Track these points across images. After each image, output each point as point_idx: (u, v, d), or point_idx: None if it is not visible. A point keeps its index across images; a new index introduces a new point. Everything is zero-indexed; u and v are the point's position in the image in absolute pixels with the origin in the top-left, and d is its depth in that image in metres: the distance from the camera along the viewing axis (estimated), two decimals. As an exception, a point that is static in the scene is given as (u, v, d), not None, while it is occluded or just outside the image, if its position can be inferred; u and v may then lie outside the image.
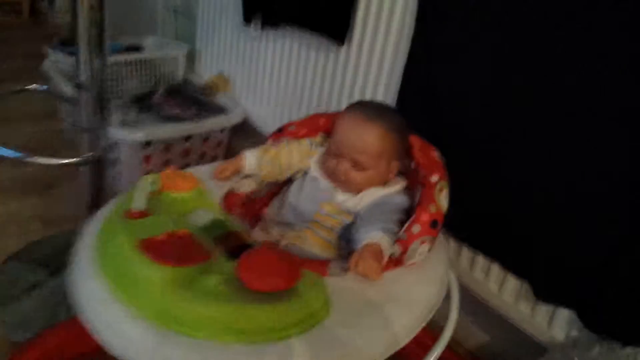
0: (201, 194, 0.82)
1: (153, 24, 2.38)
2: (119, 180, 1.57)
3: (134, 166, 1.54)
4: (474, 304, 1.13)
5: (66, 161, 0.95)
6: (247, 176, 0.95)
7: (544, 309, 1.00)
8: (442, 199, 0.84)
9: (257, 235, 0.90)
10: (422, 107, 1.11)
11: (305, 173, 0.95)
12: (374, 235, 0.77)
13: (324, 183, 0.91)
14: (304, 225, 0.90)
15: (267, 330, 0.61)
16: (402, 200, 0.88)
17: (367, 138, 0.86)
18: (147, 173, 0.80)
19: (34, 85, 1.12)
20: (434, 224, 0.80)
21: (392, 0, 1.20)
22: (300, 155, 0.95)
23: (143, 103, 1.77)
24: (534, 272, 1.00)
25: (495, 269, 1.08)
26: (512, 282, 1.05)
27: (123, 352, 0.60)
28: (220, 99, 1.85)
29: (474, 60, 1.02)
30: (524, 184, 0.97)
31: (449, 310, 0.86)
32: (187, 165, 1.04)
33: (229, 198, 0.89)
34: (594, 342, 0.87)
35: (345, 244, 0.87)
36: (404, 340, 0.71)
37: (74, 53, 1.09)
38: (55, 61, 1.75)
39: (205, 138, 1.72)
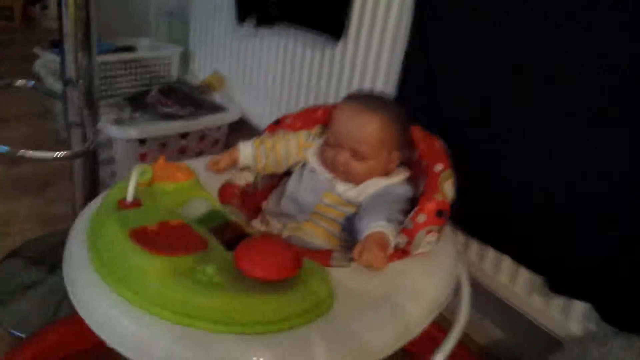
0: (196, 185, 0.78)
1: (146, 26, 2.36)
2: (115, 178, 1.54)
3: (129, 164, 1.51)
4: (485, 299, 1.09)
5: (57, 154, 0.92)
6: (244, 168, 0.92)
7: (558, 302, 0.97)
8: (448, 188, 0.81)
9: (257, 226, 0.86)
10: (421, 105, 1.09)
11: (304, 165, 0.92)
12: (378, 225, 0.73)
13: (323, 174, 0.88)
14: (305, 217, 0.87)
15: (267, 322, 0.57)
16: (406, 191, 0.85)
17: (367, 128, 0.83)
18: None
19: (20, 81, 1.09)
20: (439, 213, 0.77)
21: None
22: (297, 147, 0.92)
23: (137, 102, 1.74)
24: (547, 266, 0.97)
25: (506, 261, 1.04)
26: (524, 275, 1.02)
27: (118, 343, 0.57)
28: (216, 97, 1.82)
29: (473, 59, 1.01)
30: (524, 183, 0.96)
31: (459, 304, 0.83)
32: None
33: (226, 190, 0.86)
34: (612, 335, 0.83)
35: (348, 236, 0.84)
36: (412, 333, 0.68)
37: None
38: (46, 61, 1.72)
39: (202, 136, 1.68)
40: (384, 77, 1.23)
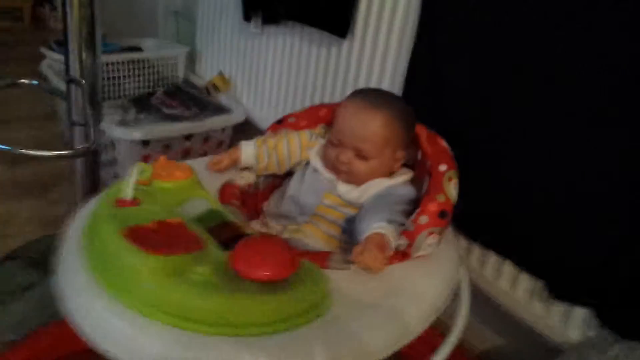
0: (195, 184, 0.77)
1: (154, 26, 2.36)
2: (117, 179, 1.53)
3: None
4: (485, 305, 1.07)
5: (58, 153, 0.92)
6: (245, 168, 0.91)
7: (558, 309, 0.95)
8: (452, 189, 0.80)
9: (256, 228, 0.85)
10: (427, 105, 1.08)
11: (306, 165, 0.91)
12: (378, 226, 0.72)
13: (325, 174, 0.87)
14: (305, 219, 0.85)
15: (263, 323, 0.56)
16: (409, 192, 0.84)
17: (371, 126, 0.82)
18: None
19: (23, 80, 1.09)
20: (442, 214, 0.76)
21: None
22: (300, 147, 0.91)
23: (142, 103, 1.74)
24: (548, 271, 0.96)
25: (507, 267, 1.03)
26: (525, 281, 1.00)
27: (109, 346, 0.56)
28: (222, 99, 1.81)
29: (474, 59, 1.00)
30: (524, 183, 0.95)
31: (458, 308, 0.81)
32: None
33: (226, 189, 0.85)
34: (612, 342, 0.81)
35: (348, 238, 0.83)
36: (409, 336, 0.67)
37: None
38: (53, 61, 1.72)
39: (206, 138, 1.68)
40: (390, 77, 1.21)
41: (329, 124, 0.92)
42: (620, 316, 0.85)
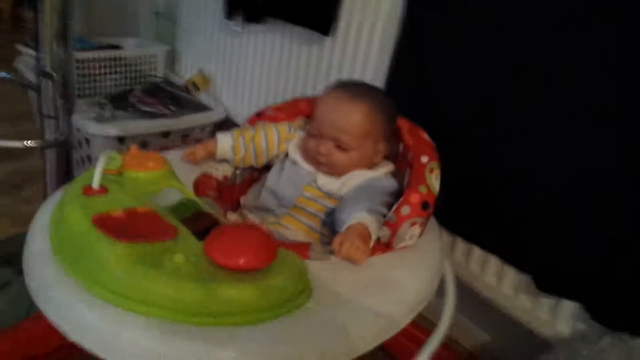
0: (168, 174, 0.74)
1: (135, 26, 2.32)
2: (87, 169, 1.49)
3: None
4: (471, 301, 1.06)
5: (28, 143, 0.88)
6: (223, 160, 0.88)
7: (546, 302, 0.94)
8: (433, 180, 0.78)
9: (232, 219, 0.82)
10: (410, 104, 1.05)
11: (285, 158, 0.88)
12: (359, 216, 0.70)
13: (305, 167, 0.84)
14: (285, 211, 0.83)
15: (239, 313, 0.54)
16: (391, 183, 0.82)
17: (351, 117, 0.80)
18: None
19: (-6, 73, 1.06)
20: (424, 205, 0.74)
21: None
22: (278, 139, 0.88)
23: (119, 101, 1.70)
24: (536, 265, 0.95)
25: (493, 261, 1.01)
26: (511, 275, 0.99)
27: (79, 336, 0.53)
28: (202, 97, 1.78)
29: (467, 58, 0.98)
30: (523, 183, 0.94)
31: (444, 300, 0.79)
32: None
33: (202, 181, 0.82)
34: (602, 334, 0.80)
35: (329, 231, 0.80)
36: (394, 329, 0.64)
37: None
38: (28, 58, 1.67)
39: (185, 135, 1.64)
40: (372, 75, 1.19)
41: (309, 116, 0.90)
42: (618, 314, 0.84)
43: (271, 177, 0.86)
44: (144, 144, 1.53)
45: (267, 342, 0.54)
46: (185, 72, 1.95)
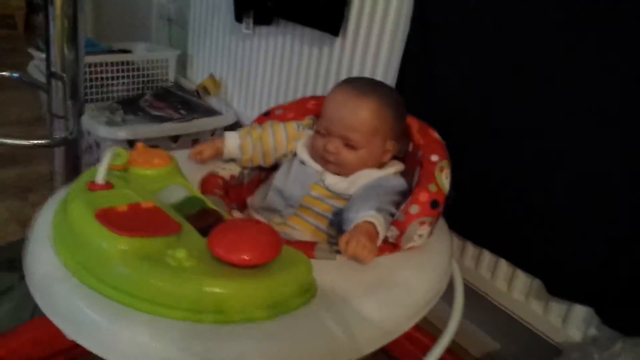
0: (174, 171, 0.73)
1: (147, 32, 2.34)
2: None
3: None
4: (480, 307, 1.04)
5: (36, 142, 0.89)
6: (230, 160, 0.87)
7: (557, 307, 0.92)
8: (443, 179, 0.76)
9: (238, 216, 0.81)
10: (420, 104, 1.05)
11: (293, 157, 0.87)
12: (367, 215, 0.68)
13: (313, 166, 0.83)
14: (292, 212, 0.82)
15: (242, 310, 0.53)
16: (399, 183, 0.80)
17: (360, 114, 0.79)
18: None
19: (4, 73, 1.06)
20: (434, 204, 0.72)
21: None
22: (287, 138, 0.87)
23: (130, 105, 1.71)
24: (546, 268, 0.93)
25: (503, 265, 1.00)
26: (522, 279, 0.97)
27: (79, 335, 0.53)
28: (212, 101, 1.79)
29: (474, 57, 0.98)
30: (524, 184, 0.93)
31: (452, 304, 0.77)
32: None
33: (209, 180, 0.81)
34: (614, 339, 0.78)
35: (337, 232, 0.79)
36: (399, 330, 0.63)
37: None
38: (39, 61, 1.69)
39: (195, 140, 1.65)
40: (382, 75, 1.19)
41: (317, 115, 0.89)
42: (621, 314, 0.82)
43: (279, 177, 0.85)
44: (153, 148, 1.53)
45: (270, 340, 0.53)
46: (197, 77, 1.96)
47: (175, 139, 1.59)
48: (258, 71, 1.62)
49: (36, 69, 1.70)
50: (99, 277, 0.54)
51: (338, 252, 0.66)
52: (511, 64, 0.92)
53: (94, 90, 1.74)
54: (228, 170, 0.86)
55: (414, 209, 0.71)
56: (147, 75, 1.88)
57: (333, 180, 0.81)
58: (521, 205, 0.93)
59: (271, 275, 0.55)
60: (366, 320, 0.59)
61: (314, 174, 0.83)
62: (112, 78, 1.78)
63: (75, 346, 0.53)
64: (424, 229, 0.71)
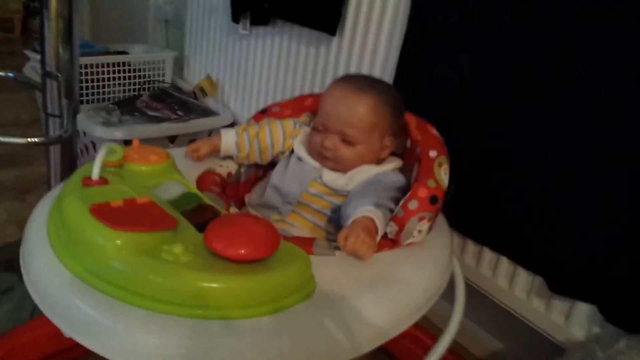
0: (170, 167, 0.72)
1: (144, 34, 2.34)
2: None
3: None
4: (482, 306, 1.03)
5: (32, 140, 0.88)
6: (227, 158, 0.87)
7: (559, 305, 0.91)
8: (442, 175, 0.75)
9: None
10: (418, 100, 1.05)
11: (290, 154, 0.86)
12: (366, 210, 0.68)
13: (310, 162, 0.83)
14: (290, 209, 0.81)
15: (239, 305, 0.52)
16: (398, 179, 0.80)
17: (357, 110, 0.78)
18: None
19: (-1, 72, 1.06)
20: (433, 199, 0.71)
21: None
22: (283, 135, 0.86)
23: (127, 106, 1.70)
24: (546, 267, 0.92)
25: (504, 263, 0.99)
26: (523, 277, 0.96)
27: (73, 330, 0.52)
28: (209, 102, 1.78)
29: (473, 57, 0.98)
30: (524, 183, 0.93)
31: (453, 300, 0.76)
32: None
33: (205, 177, 0.80)
34: (617, 337, 0.77)
35: (335, 229, 0.78)
36: (399, 328, 0.62)
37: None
38: (35, 62, 1.68)
39: (192, 140, 1.63)
40: (379, 74, 1.18)
41: (315, 113, 0.88)
42: (625, 312, 0.81)
43: (276, 174, 0.84)
44: (150, 147, 1.53)
45: (267, 336, 0.52)
46: (194, 78, 1.95)
47: (172, 139, 1.59)
48: (255, 72, 1.61)
49: (32, 70, 1.69)
50: (94, 272, 0.53)
51: (337, 248, 0.65)
52: (511, 64, 0.91)
53: (90, 91, 1.73)
54: (225, 168, 0.85)
55: (413, 205, 0.70)
56: (144, 77, 1.87)
57: (331, 177, 0.80)
58: (521, 205, 0.93)
59: (269, 271, 0.54)
60: (365, 318, 0.58)
61: (312, 170, 0.82)
62: (109, 79, 1.77)
63: (75, 347, 0.53)
64: (424, 225, 0.70)
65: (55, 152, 1.07)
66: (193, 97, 1.81)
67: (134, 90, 1.85)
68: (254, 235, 0.55)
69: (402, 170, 0.83)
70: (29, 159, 1.71)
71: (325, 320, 0.55)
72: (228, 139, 0.84)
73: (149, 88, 1.87)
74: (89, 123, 1.46)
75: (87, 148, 1.51)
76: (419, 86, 1.06)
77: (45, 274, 0.55)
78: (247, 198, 0.88)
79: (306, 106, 0.92)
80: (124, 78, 1.81)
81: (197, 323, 0.50)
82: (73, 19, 1.01)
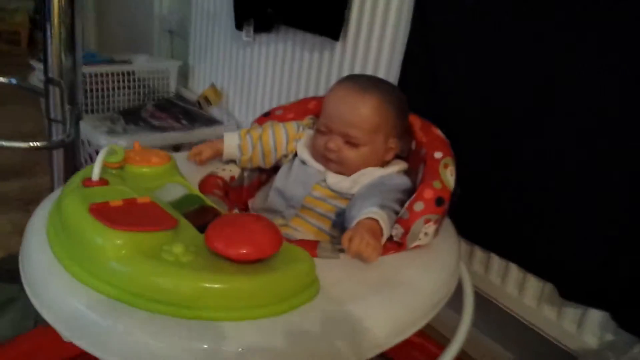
0: (173, 170, 0.72)
1: (149, 44, 2.35)
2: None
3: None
4: (490, 315, 1.01)
5: (34, 144, 0.88)
6: (230, 161, 0.86)
7: (571, 312, 0.90)
8: (448, 176, 0.74)
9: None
10: (422, 103, 1.04)
11: (293, 158, 0.85)
12: (369, 211, 0.66)
13: (314, 165, 0.81)
14: (293, 212, 0.79)
15: (241, 306, 0.50)
16: (403, 181, 0.78)
17: (360, 110, 0.77)
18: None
19: (2, 79, 1.05)
20: (439, 201, 0.70)
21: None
22: (287, 138, 0.85)
23: (131, 116, 1.70)
24: (547, 266, 0.92)
25: (514, 270, 0.97)
26: (533, 284, 0.94)
27: (70, 333, 0.50)
28: (214, 111, 1.78)
29: (471, 57, 0.98)
30: (524, 184, 0.92)
31: (459, 311, 0.74)
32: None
33: (208, 180, 0.79)
34: (633, 343, 0.75)
35: (339, 233, 0.76)
36: (404, 333, 0.60)
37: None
38: (39, 71, 1.69)
39: (196, 148, 1.63)
40: (383, 78, 1.18)
41: (318, 115, 0.87)
42: (637, 318, 0.79)
43: (279, 178, 0.83)
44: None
45: (269, 339, 0.50)
46: (198, 87, 1.96)
47: (176, 148, 1.58)
48: (259, 79, 1.61)
49: (37, 80, 1.69)
50: (93, 272, 0.52)
51: (341, 250, 0.63)
52: (510, 64, 0.91)
53: (95, 100, 1.73)
54: (228, 172, 0.84)
55: (419, 206, 0.69)
56: (149, 86, 1.88)
57: (335, 180, 0.79)
58: (521, 205, 0.93)
59: (272, 272, 0.53)
60: (370, 322, 0.56)
61: (316, 173, 0.81)
62: (114, 89, 1.78)
63: (77, 356, 0.51)
64: (430, 227, 0.68)
65: (58, 159, 1.07)
66: (197, 107, 1.81)
67: (139, 100, 1.85)
68: (255, 234, 0.53)
69: (407, 172, 0.82)
70: (33, 170, 1.71)
71: (328, 323, 0.53)
72: (231, 142, 0.84)
73: (153, 98, 1.88)
74: (93, 132, 1.45)
75: (91, 157, 1.51)
76: (423, 87, 1.06)
77: (44, 275, 0.54)
78: (250, 203, 0.87)
79: (309, 109, 0.91)
80: (129, 88, 1.81)
81: (198, 325, 0.49)
82: (75, 26, 1.02)
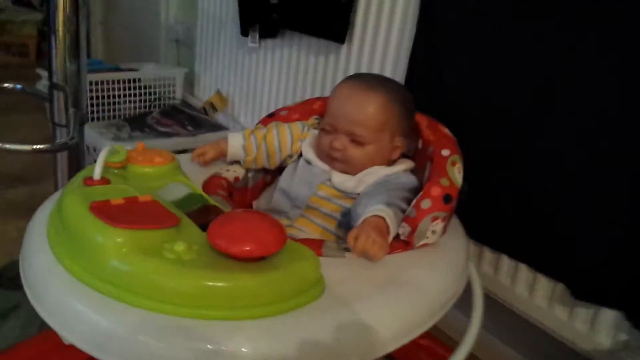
0: (175, 169, 0.71)
1: (155, 53, 2.36)
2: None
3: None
4: (500, 317, 0.99)
5: (37, 147, 0.88)
6: (234, 162, 0.85)
7: (584, 312, 0.87)
8: (456, 173, 0.73)
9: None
10: (428, 104, 1.03)
11: (298, 158, 0.84)
12: (375, 209, 0.65)
13: (319, 165, 0.80)
14: (298, 213, 0.78)
15: (244, 305, 0.49)
16: (410, 180, 0.77)
17: (366, 108, 0.76)
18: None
19: (7, 84, 1.06)
20: (447, 198, 0.69)
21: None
22: (292, 139, 0.84)
23: (137, 122, 1.71)
24: (547, 266, 0.91)
25: (524, 270, 0.95)
26: (544, 284, 0.92)
27: (70, 335, 0.49)
28: (219, 117, 1.78)
29: (471, 57, 0.98)
30: (524, 184, 0.92)
31: (468, 313, 0.72)
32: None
33: (212, 181, 0.78)
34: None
35: (345, 233, 0.75)
36: (411, 333, 0.58)
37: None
38: (46, 79, 1.70)
39: (201, 155, 1.63)
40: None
41: (323, 116, 0.86)
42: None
43: (284, 178, 0.82)
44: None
45: (273, 338, 0.49)
46: (204, 94, 1.96)
47: (181, 153, 1.58)
48: (265, 84, 1.61)
49: (43, 87, 1.70)
50: (93, 272, 0.51)
51: (347, 249, 0.62)
52: (511, 64, 0.91)
53: (101, 108, 1.73)
54: (232, 172, 0.83)
55: (426, 204, 0.67)
56: (155, 94, 1.88)
57: (340, 179, 0.78)
58: (521, 205, 0.92)
59: (275, 270, 0.52)
60: (375, 322, 0.55)
61: (321, 173, 0.80)
62: (120, 96, 1.78)
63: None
64: (437, 225, 0.67)
65: (62, 164, 1.06)
66: (203, 113, 1.81)
67: (145, 107, 1.85)
68: (258, 231, 0.52)
69: (414, 171, 0.81)
70: (39, 177, 1.70)
71: (333, 323, 0.52)
72: (235, 143, 0.83)
73: (159, 105, 1.88)
74: (98, 139, 1.45)
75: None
76: (429, 87, 1.05)
77: (44, 275, 0.54)
78: (255, 204, 0.86)
79: (314, 109, 0.90)
80: (135, 95, 1.82)
81: (200, 324, 0.48)
82: (80, 33, 1.03)
